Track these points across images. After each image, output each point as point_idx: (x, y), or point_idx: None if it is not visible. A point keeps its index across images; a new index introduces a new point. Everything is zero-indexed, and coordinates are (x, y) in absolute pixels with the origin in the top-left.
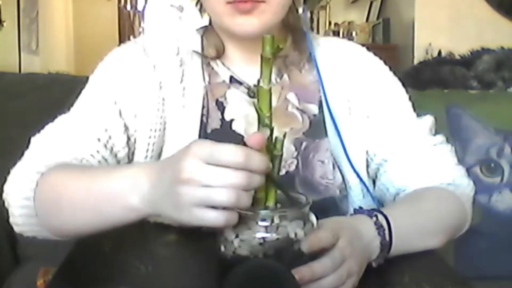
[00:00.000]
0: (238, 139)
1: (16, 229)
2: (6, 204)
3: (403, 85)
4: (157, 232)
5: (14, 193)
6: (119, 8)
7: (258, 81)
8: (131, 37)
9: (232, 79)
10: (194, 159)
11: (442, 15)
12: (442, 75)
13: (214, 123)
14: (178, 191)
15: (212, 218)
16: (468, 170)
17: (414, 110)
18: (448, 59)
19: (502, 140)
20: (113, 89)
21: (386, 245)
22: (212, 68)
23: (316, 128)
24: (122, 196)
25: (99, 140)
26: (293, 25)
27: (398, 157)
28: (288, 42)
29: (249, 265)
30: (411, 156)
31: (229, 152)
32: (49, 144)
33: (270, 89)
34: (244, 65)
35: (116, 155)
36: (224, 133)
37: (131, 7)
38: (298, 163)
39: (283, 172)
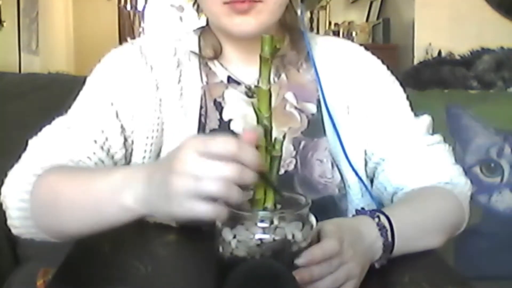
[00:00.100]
0: None
1: (14, 231)
2: (4, 206)
3: (401, 84)
4: (156, 232)
5: (11, 196)
6: (119, 8)
7: (258, 82)
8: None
9: (229, 79)
10: (188, 151)
11: (442, 15)
12: (442, 75)
13: (212, 123)
14: (170, 182)
15: (202, 209)
16: (468, 170)
17: (412, 109)
18: (448, 59)
19: (502, 140)
20: (110, 90)
21: (388, 246)
22: (210, 69)
23: (315, 127)
24: (116, 195)
25: (95, 141)
26: (290, 25)
27: (396, 156)
28: (286, 41)
29: (250, 265)
30: (409, 155)
31: (221, 141)
32: (46, 146)
33: (269, 90)
34: (241, 65)
35: (113, 157)
36: (223, 133)
37: (131, 7)
38: (296, 162)
39: (282, 171)
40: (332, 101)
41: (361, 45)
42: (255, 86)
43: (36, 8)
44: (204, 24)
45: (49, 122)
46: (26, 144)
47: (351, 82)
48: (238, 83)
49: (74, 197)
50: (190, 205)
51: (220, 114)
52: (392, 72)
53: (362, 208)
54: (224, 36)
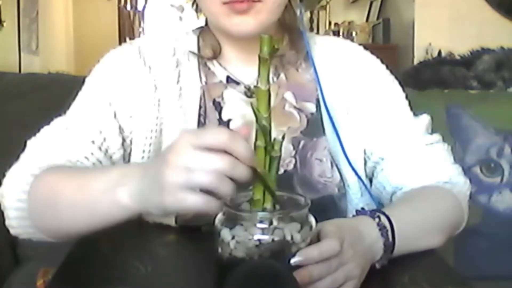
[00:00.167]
0: None
1: (12, 231)
2: (2, 207)
3: (400, 84)
4: (156, 232)
5: (8, 196)
6: (119, 8)
7: (257, 82)
8: (132, 37)
9: (229, 79)
10: (182, 144)
11: (442, 15)
12: (442, 75)
13: (211, 124)
14: (163, 173)
15: (193, 201)
16: (468, 170)
17: (411, 109)
18: (448, 59)
19: (502, 140)
20: (108, 90)
21: (389, 246)
22: (209, 69)
23: (314, 126)
24: (111, 192)
25: (93, 142)
26: (289, 24)
27: (395, 156)
28: (285, 41)
29: (250, 265)
30: (408, 154)
31: (213, 132)
32: (44, 147)
33: (268, 90)
34: (240, 65)
35: (111, 157)
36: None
37: (131, 7)
38: (296, 162)
39: (281, 171)
40: (331, 101)
41: (360, 45)
42: (254, 86)
43: (36, 8)
44: (203, 24)
45: (48, 123)
46: (25, 145)
47: (350, 81)
48: (237, 83)
49: (71, 196)
50: (182, 197)
51: (219, 114)
52: (391, 72)
53: (362, 208)
54: (223, 36)
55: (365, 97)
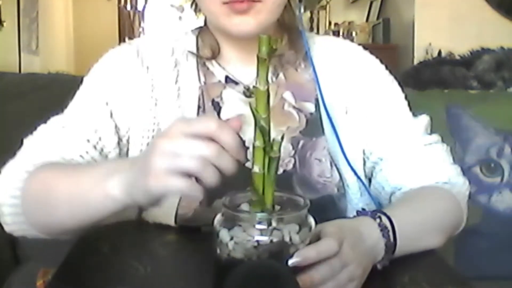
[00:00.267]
0: None
1: (6, 228)
2: None
3: (400, 84)
4: (156, 232)
5: (2, 192)
6: (119, 8)
7: (256, 82)
8: (131, 37)
9: (227, 79)
10: (172, 130)
11: (442, 15)
12: (442, 75)
13: None
14: (150, 158)
15: (176, 184)
16: (468, 170)
17: (410, 109)
18: (448, 59)
19: (502, 140)
20: (105, 90)
21: (390, 246)
22: (208, 68)
23: (313, 126)
24: (101, 184)
25: (88, 141)
26: (288, 24)
27: (394, 156)
28: (284, 41)
29: (250, 265)
30: (407, 155)
31: (203, 120)
32: (40, 145)
33: (267, 90)
34: (239, 65)
35: (106, 156)
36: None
37: (131, 7)
38: (295, 161)
39: (280, 171)
40: (330, 101)
41: (360, 45)
42: (253, 87)
43: (36, 8)
44: (202, 24)
45: (45, 121)
46: (21, 143)
47: (350, 81)
48: (236, 83)
49: (64, 191)
50: (165, 180)
51: (218, 114)
52: (391, 72)
53: (363, 209)
54: (222, 36)
55: (364, 97)
